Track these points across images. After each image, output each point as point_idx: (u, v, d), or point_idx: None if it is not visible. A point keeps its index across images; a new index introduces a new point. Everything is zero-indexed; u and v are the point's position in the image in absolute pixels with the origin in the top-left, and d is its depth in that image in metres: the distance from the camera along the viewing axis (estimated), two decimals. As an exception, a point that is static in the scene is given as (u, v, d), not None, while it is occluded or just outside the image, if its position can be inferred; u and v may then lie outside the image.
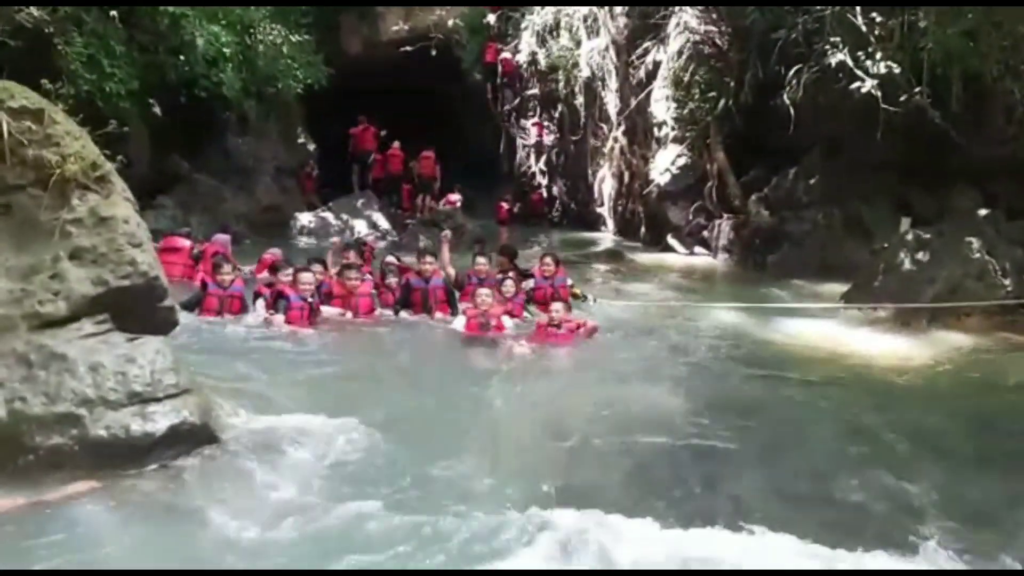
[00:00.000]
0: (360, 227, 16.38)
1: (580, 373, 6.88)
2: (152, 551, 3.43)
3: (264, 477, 4.13)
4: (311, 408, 5.00)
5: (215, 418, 4.49)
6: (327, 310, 8.04)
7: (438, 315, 8.19)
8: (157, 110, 12.03)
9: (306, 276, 7.84)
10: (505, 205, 19.26)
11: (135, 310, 4.46)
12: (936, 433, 5.23)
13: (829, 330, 8.35)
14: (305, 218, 16.29)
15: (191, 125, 13.03)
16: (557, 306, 7.66)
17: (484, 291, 7.74)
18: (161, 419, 4.16)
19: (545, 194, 20.06)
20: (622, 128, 16.55)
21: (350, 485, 4.12)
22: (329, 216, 16.52)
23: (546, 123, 19.34)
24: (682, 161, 14.93)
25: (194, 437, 4.27)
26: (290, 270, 8.08)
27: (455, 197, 17.62)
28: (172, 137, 12.75)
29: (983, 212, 9.54)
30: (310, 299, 7.71)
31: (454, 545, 3.49)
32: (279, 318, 7.49)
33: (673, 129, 15.03)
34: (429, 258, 8.56)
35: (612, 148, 17.02)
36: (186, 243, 10.09)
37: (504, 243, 12.04)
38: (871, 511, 4.14)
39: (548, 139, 19.52)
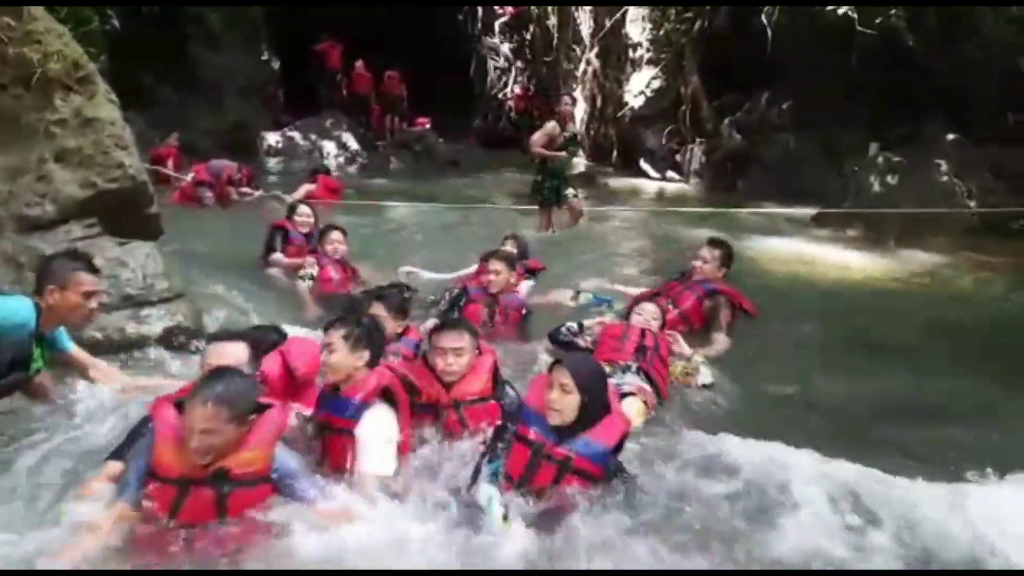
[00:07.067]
0: (329, 148, 16.10)
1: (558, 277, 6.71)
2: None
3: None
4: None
5: (207, 324, 4.52)
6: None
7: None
8: (116, 22, 11.57)
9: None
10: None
11: (124, 215, 4.43)
12: (905, 341, 5.44)
13: (801, 248, 8.57)
14: (272, 138, 15.95)
15: (154, 38, 12.56)
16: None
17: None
18: (156, 322, 4.20)
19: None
20: (595, 50, 16.33)
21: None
22: (297, 136, 16.19)
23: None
24: (656, 84, 14.85)
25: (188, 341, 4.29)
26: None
27: (424, 119, 17.38)
28: (135, 50, 12.26)
29: (952, 137, 9.71)
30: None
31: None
32: None
33: (648, 51, 14.89)
34: (498, 265, 5.22)
35: (585, 71, 16.81)
36: None
37: None
38: (847, 413, 4.34)
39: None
